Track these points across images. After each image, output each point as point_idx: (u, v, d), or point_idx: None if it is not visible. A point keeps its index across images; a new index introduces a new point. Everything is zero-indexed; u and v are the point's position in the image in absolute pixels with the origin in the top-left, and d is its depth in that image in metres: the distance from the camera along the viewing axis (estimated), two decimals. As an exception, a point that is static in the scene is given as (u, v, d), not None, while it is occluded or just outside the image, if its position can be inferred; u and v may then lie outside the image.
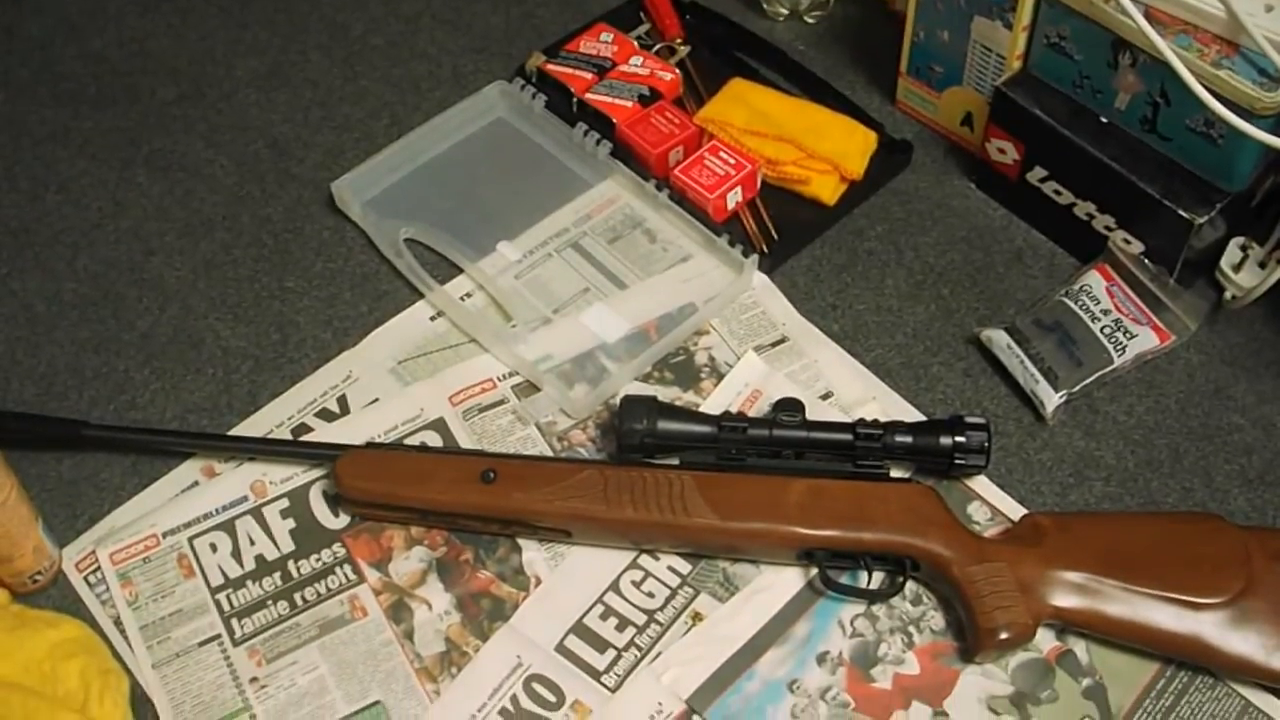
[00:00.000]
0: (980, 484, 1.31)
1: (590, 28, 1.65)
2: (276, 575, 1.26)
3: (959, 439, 1.25)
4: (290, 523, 1.30)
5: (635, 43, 1.63)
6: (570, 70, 1.59)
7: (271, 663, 1.22)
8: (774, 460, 1.26)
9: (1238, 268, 1.40)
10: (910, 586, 1.24)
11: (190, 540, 1.28)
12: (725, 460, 1.26)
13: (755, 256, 1.43)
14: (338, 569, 1.27)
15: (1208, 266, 1.42)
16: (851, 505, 1.22)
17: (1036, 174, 1.46)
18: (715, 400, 1.36)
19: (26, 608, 1.23)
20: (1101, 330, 1.37)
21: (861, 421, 1.26)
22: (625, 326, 1.41)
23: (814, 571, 1.24)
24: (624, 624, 1.23)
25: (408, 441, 1.34)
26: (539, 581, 1.26)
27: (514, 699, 1.19)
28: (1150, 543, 1.22)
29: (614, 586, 1.25)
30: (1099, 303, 1.39)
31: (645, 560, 1.27)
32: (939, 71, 1.54)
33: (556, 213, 1.51)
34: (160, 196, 1.56)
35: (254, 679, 1.21)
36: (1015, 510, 1.29)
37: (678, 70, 1.61)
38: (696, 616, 1.23)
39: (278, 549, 1.28)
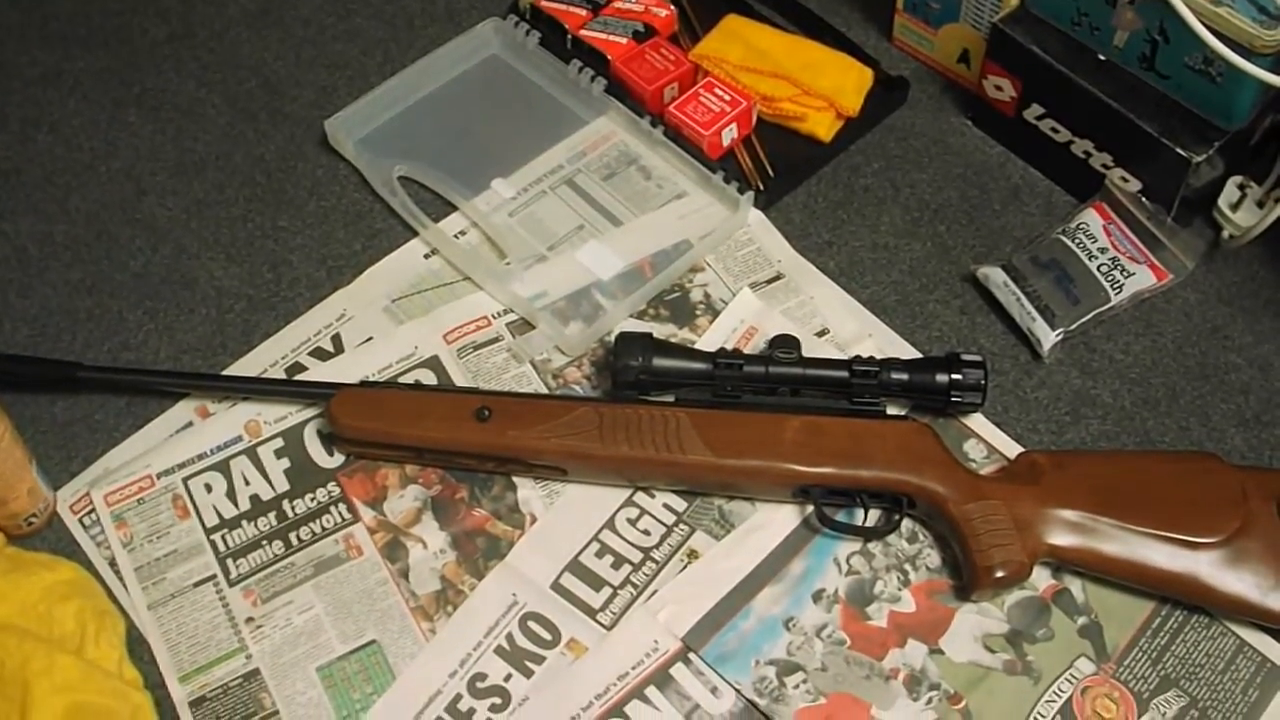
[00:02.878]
0: (976, 422, 1.31)
1: (585, -37, 1.64)
2: (271, 515, 1.26)
3: (955, 376, 1.25)
4: (285, 462, 1.29)
5: (630, -22, 1.62)
6: (564, 6, 1.58)
7: (267, 602, 1.22)
8: (770, 397, 1.26)
9: (1235, 207, 1.40)
10: (906, 524, 1.25)
11: (185, 481, 1.28)
12: (721, 397, 1.25)
13: (751, 193, 1.42)
14: (333, 508, 1.27)
15: (1205, 205, 1.42)
16: (847, 442, 1.22)
17: (1034, 111, 1.45)
18: (711, 337, 1.36)
19: (22, 550, 1.23)
20: (1099, 268, 1.37)
21: (858, 359, 1.26)
22: (620, 263, 1.41)
23: (810, 509, 1.24)
24: (620, 562, 1.23)
25: (402, 380, 1.34)
26: (534, 519, 1.26)
27: (510, 637, 1.19)
28: (1146, 482, 1.22)
29: (609, 524, 1.25)
30: (1096, 241, 1.38)
31: (641, 498, 1.27)
32: (936, 8, 1.53)
33: (551, 150, 1.51)
34: (152, 136, 1.55)
35: (250, 619, 1.21)
36: (1011, 448, 1.29)
37: (672, 6, 1.59)
38: (692, 554, 1.24)
39: (272, 489, 1.28)
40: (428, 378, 1.34)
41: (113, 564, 1.24)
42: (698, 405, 1.25)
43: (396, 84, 1.54)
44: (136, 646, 1.20)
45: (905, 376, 1.25)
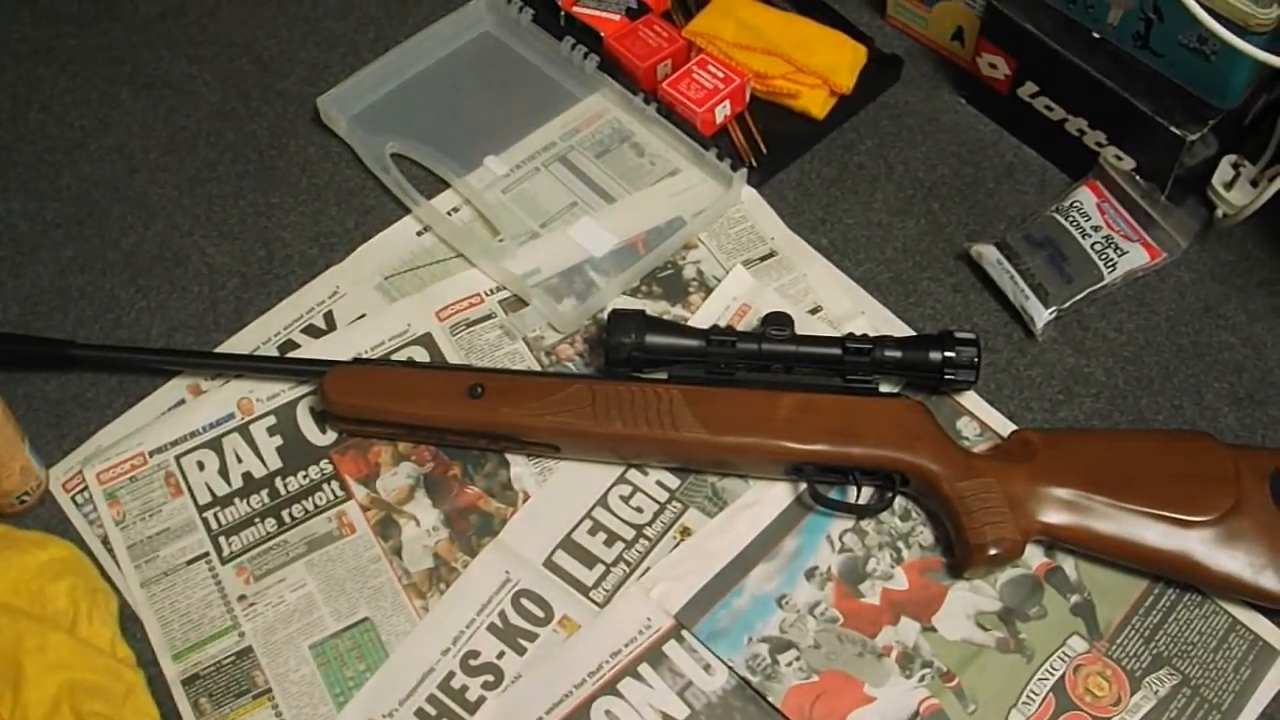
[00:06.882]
0: (970, 400, 1.31)
1: (578, -60, 1.63)
2: (264, 492, 1.26)
3: (949, 354, 1.25)
4: (277, 440, 1.29)
5: (623, -45, 1.62)
6: (557, -17, 1.58)
7: (260, 580, 1.22)
8: (763, 375, 1.26)
9: (1229, 185, 1.40)
10: (899, 502, 1.25)
11: (177, 459, 1.28)
12: (714, 375, 1.25)
13: (744, 170, 1.42)
14: (325, 486, 1.26)
15: (1199, 184, 1.42)
16: (840, 420, 1.22)
17: (1028, 89, 1.44)
18: (704, 314, 1.35)
19: (14, 529, 1.23)
20: (1092, 247, 1.37)
21: (850, 336, 1.26)
22: (613, 240, 1.41)
23: (803, 487, 1.24)
24: (612, 539, 1.23)
25: (395, 357, 1.33)
26: (527, 497, 1.26)
27: (502, 614, 1.20)
28: (1140, 460, 1.22)
29: (602, 501, 1.25)
30: (1090, 219, 1.38)
31: (634, 475, 1.26)
32: (930, -15, 1.53)
33: (544, 127, 1.50)
34: (144, 114, 1.55)
35: (242, 597, 1.21)
36: (1005, 426, 1.29)
37: (666, -17, 1.59)
38: (685, 532, 1.24)
39: (265, 466, 1.28)
40: (420, 355, 1.34)
41: (105, 542, 1.24)
42: (691, 382, 1.24)
43: (389, 61, 1.53)
44: (129, 624, 1.20)
45: (898, 354, 1.25)
